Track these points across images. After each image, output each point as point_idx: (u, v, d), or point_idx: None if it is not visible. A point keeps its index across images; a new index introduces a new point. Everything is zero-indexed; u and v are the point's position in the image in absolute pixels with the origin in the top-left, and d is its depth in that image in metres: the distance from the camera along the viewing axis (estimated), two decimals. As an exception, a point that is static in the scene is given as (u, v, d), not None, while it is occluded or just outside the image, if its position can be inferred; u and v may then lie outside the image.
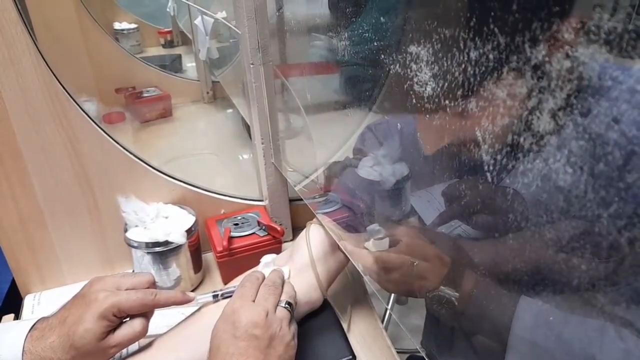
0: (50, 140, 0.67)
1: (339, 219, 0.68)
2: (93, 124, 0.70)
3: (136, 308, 0.51)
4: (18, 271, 0.73)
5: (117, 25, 1.90)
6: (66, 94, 0.67)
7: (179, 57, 1.76)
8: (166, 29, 2.00)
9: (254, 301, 0.52)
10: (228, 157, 1.13)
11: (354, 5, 0.77)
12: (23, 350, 0.48)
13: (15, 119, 0.64)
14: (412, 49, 0.47)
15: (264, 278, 0.56)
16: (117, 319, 0.50)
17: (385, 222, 0.66)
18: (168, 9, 1.89)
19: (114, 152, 0.72)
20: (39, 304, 0.72)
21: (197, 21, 1.26)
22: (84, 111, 0.69)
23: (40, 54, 0.63)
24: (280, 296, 0.54)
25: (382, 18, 0.69)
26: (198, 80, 1.53)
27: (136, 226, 0.70)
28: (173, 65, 1.66)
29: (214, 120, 1.37)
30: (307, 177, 0.82)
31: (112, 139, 0.72)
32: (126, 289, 0.52)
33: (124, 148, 0.73)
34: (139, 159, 0.75)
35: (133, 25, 1.92)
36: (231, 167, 1.09)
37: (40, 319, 0.51)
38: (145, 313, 0.53)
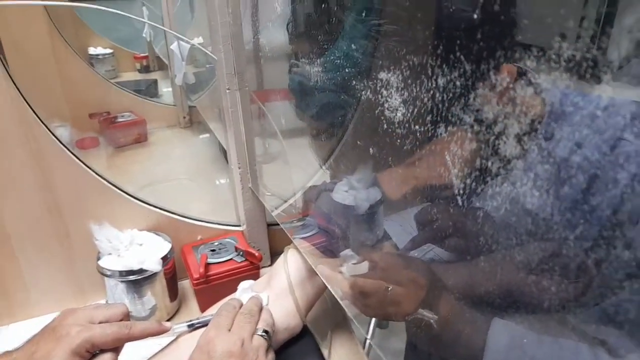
0: (18, 165, 0.66)
1: (316, 244, 0.68)
2: (65, 149, 0.69)
3: (110, 343, 0.49)
4: (-17, 303, 0.70)
5: (92, 50, 1.88)
6: (37, 118, 0.66)
7: (155, 82, 1.76)
8: (142, 54, 1.99)
9: (230, 330, 0.51)
10: (205, 182, 1.12)
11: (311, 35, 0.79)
12: None
13: (-17, 145, 0.63)
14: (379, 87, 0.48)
15: (241, 306, 0.55)
16: (90, 354, 0.49)
17: (359, 246, 0.66)
18: (144, 34, 1.89)
19: (86, 178, 0.71)
20: (5, 338, 0.69)
21: (174, 46, 1.26)
22: (55, 136, 0.68)
23: (10, 77, 0.62)
24: (257, 324, 0.53)
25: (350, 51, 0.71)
26: (174, 105, 1.53)
27: (109, 254, 0.68)
28: (149, 90, 1.66)
29: (191, 145, 1.37)
30: (284, 202, 0.82)
31: (85, 165, 0.71)
32: (99, 322, 0.50)
33: (97, 174, 0.72)
34: (112, 184, 0.74)
35: (108, 50, 1.91)
36: (208, 192, 1.08)
37: (4, 353, 0.49)
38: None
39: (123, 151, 1.30)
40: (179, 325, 0.56)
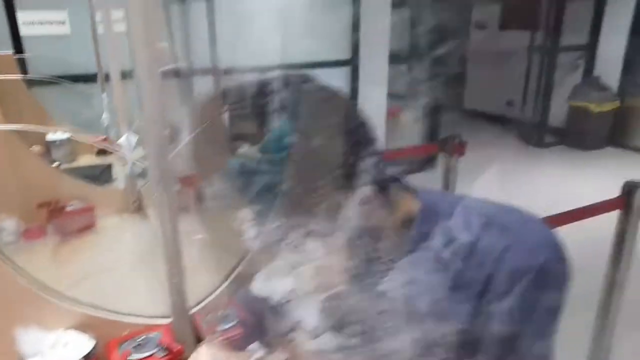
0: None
1: (233, 337, 0.73)
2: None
3: None
4: None
5: (50, 136, 1.95)
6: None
7: (110, 166, 1.82)
8: (100, 138, 2.07)
9: None
10: (146, 271, 1.15)
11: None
12: None
13: None
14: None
15: None
16: None
17: (270, 338, 0.71)
18: (102, 119, 1.98)
19: (15, 282, 0.75)
20: None
21: (122, 140, 1.34)
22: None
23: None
24: None
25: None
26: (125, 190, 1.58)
27: (33, 358, 0.71)
28: (103, 175, 1.72)
29: (138, 231, 1.41)
30: (208, 297, 0.87)
31: (17, 268, 0.75)
32: None
33: (28, 276, 0.76)
34: (43, 285, 0.78)
35: (66, 135, 1.98)
36: (146, 282, 1.12)
37: None
38: None
39: (70, 240, 1.33)
40: None
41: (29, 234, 1.30)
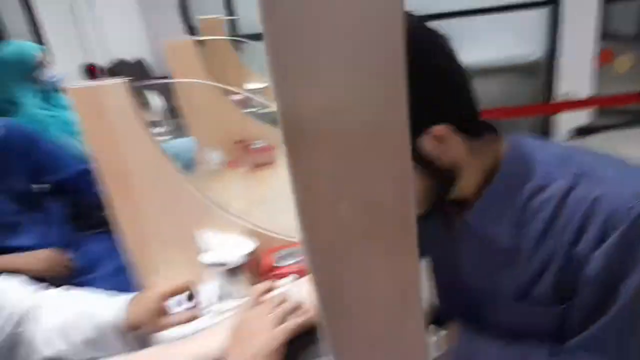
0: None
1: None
2: (185, 180, 0.99)
3: None
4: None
5: (248, 86, 2.32)
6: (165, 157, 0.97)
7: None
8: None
9: None
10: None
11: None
12: None
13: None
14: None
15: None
16: None
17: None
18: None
19: (197, 199, 1.00)
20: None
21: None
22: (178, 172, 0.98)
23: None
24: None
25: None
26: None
27: (208, 251, 0.96)
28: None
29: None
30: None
31: (199, 189, 0.99)
32: None
33: (205, 194, 1.01)
34: (218, 202, 1.02)
35: (261, 85, 2.32)
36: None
37: None
38: None
39: (257, 171, 1.62)
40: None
41: (231, 164, 1.63)
